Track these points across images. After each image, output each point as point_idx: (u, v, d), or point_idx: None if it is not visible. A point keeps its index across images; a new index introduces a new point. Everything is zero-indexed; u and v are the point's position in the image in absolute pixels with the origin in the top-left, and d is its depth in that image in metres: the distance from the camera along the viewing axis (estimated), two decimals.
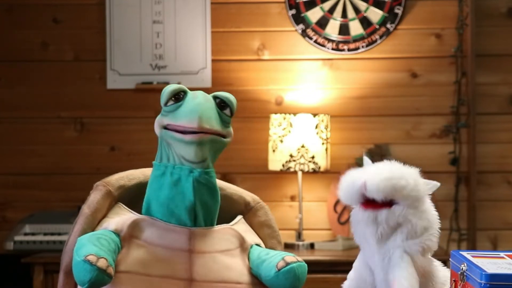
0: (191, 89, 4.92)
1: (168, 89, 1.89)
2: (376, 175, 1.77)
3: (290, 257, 1.85)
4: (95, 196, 1.94)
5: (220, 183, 1.99)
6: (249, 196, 2.05)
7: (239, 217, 2.01)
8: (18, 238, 4.12)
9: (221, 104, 1.91)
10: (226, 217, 1.98)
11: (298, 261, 1.85)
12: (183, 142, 1.84)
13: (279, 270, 1.82)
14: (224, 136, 1.90)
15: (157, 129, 1.90)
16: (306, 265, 1.86)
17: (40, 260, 4.02)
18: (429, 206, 1.81)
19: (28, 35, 4.57)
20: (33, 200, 4.54)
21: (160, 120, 1.89)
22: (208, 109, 1.87)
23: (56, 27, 4.58)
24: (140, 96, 4.55)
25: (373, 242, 1.79)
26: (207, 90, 4.82)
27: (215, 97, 1.92)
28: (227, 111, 1.92)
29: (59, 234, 4.14)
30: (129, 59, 4.55)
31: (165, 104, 1.88)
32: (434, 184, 1.81)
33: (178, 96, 1.88)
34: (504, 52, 4.49)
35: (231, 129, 1.92)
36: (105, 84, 4.56)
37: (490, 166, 4.46)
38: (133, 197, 1.98)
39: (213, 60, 4.54)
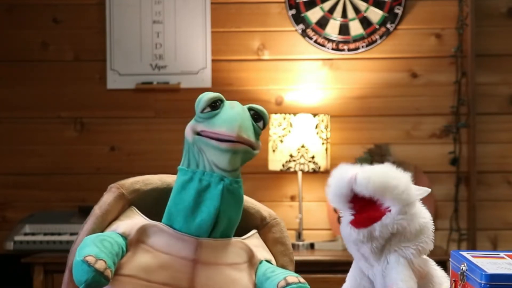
0: (192, 89, 4.90)
1: (206, 97, 1.87)
2: (369, 170, 1.76)
3: (292, 277, 1.83)
4: (107, 198, 1.93)
5: None
6: (266, 211, 2.03)
7: (253, 231, 1.99)
8: (18, 238, 4.12)
9: (255, 116, 1.91)
10: (241, 230, 1.97)
11: (300, 282, 1.83)
12: (218, 149, 1.84)
13: None
14: (254, 148, 1.90)
15: (189, 135, 1.88)
16: (308, 287, 1.84)
17: (40, 260, 4.02)
18: (419, 209, 1.79)
19: (28, 35, 4.57)
20: (33, 200, 4.54)
21: (193, 126, 1.87)
22: (246, 119, 1.88)
23: (56, 27, 4.58)
24: (140, 96, 4.55)
25: (369, 255, 1.79)
26: (207, 90, 4.80)
27: (249, 109, 1.92)
28: (260, 124, 1.92)
29: (59, 234, 4.14)
30: (129, 59, 4.55)
31: (202, 111, 1.86)
32: (425, 190, 1.79)
33: (215, 104, 1.86)
34: (504, 52, 4.49)
35: (260, 142, 1.93)
36: (105, 84, 4.56)
37: (490, 166, 4.46)
38: (149, 202, 1.97)
39: (213, 60, 4.54)
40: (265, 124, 1.93)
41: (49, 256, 4.04)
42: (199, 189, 1.85)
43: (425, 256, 1.81)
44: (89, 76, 4.57)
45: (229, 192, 1.86)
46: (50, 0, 4.57)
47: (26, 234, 4.15)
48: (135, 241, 1.86)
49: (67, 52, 4.58)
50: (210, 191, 1.85)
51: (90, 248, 1.77)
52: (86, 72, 4.57)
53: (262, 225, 2.01)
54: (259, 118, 1.92)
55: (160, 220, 1.92)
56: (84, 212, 4.22)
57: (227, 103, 1.89)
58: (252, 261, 1.91)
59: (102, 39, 4.55)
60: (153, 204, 1.97)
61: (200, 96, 1.88)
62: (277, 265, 1.97)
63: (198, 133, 1.86)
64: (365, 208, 1.76)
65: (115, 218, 1.93)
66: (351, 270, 1.89)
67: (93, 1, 4.57)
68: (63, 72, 4.58)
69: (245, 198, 2.00)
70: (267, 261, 1.94)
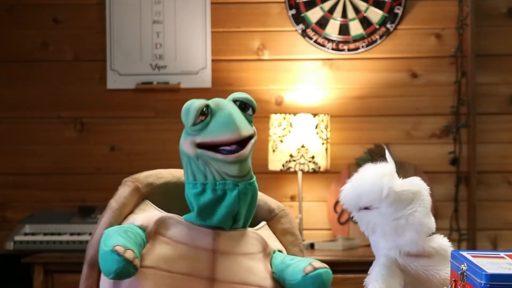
0: (192, 89, 4.88)
1: (193, 107, 1.83)
2: (344, 192, 1.84)
3: (317, 262, 1.86)
4: (123, 191, 1.95)
5: None
6: (273, 203, 2.05)
7: (263, 223, 2.00)
8: (18, 238, 4.12)
9: (242, 106, 1.91)
10: (251, 223, 1.98)
11: (325, 267, 1.86)
12: (225, 162, 1.83)
13: (306, 274, 1.83)
14: (253, 136, 1.90)
15: (189, 150, 1.85)
16: (331, 272, 1.87)
17: (40, 260, 4.02)
18: (413, 208, 1.79)
19: (28, 35, 4.57)
20: (33, 200, 4.54)
21: (190, 140, 1.85)
22: (238, 115, 1.87)
23: (56, 27, 4.58)
24: (140, 96, 4.55)
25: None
26: (207, 90, 4.78)
27: (234, 101, 1.91)
28: (250, 111, 1.92)
29: (59, 234, 4.14)
30: (129, 59, 4.55)
31: (194, 124, 1.84)
32: (391, 162, 1.82)
33: (203, 112, 1.84)
34: (504, 52, 4.49)
35: (254, 127, 1.92)
36: (105, 84, 4.56)
37: (490, 166, 4.46)
38: (161, 196, 1.99)
39: (213, 60, 4.54)
40: (254, 110, 1.92)
41: (49, 256, 4.04)
42: (214, 199, 1.86)
43: (423, 257, 1.80)
44: (89, 76, 4.57)
45: (244, 194, 1.87)
46: (50, 0, 4.57)
47: (26, 234, 4.15)
48: (153, 233, 1.86)
49: (67, 52, 4.58)
50: (227, 198, 1.85)
51: (116, 238, 1.77)
52: (86, 72, 4.57)
53: (270, 217, 2.02)
54: (246, 107, 1.91)
55: (174, 213, 1.93)
56: (84, 212, 4.22)
57: (213, 106, 1.86)
58: (266, 251, 1.92)
59: (102, 39, 4.55)
60: (164, 197, 1.99)
61: (185, 108, 1.85)
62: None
63: (199, 145, 1.85)
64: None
65: (131, 211, 1.94)
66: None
67: (93, 1, 4.57)
68: (63, 72, 4.58)
69: None
70: (279, 251, 1.96)
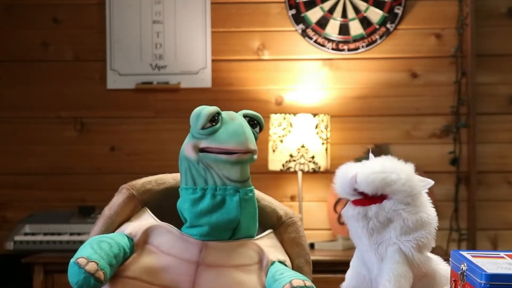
0: (191, 89, 4.88)
1: (204, 112, 1.83)
2: (368, 168, 1.78)
3: (298, 280, 1.78)
4: (117, 199, 1.93)
5: (257, 193, 1.96)
6: (282, 210, 2.00)
7: (268, 231, 1.97)
8: (18, 238, 4.12)
9: (250, 122, 1.90)
10: (258, 229, 1.95)
11: (306, 286, 1.78)
12: (229, 163, 1.82)
13: None
14: (254, 154, 1.89)
15: (190, 153, 1.85)
16: None
17: (40, 260, 4.02)
18: (424, 202, 1.79)
19: (28, 35, 4.57)
20: (33, 200, 4.54)
21: (194, 143, 1.85)
22: (248, 128, 1.87)
23: (56, 27, 4.58)
24: (140, 96, 4.55)
25: (365, 239, 1.79)
26: (207, 90, 4.77)
27: (244, 116, 1.91)
28: (257, 129, 1.91)
29: (59, 234, 4.14)
30: (129, 59, 4.55)
31: (203, 127, 1.84)
32: (429, 182, 1.80)
33: (214, 118, 1.84)
34: (504, 52, 4.49)
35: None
36: (105, 84, 4.56)
37: (490, 166, 4.46)
38: (163, 201, 1.96)
39: (213, 60, 4.54)
40: (261, 129, 1.93)
41: (49, 256, 4.04)
42: (215, 205, 1.84)
43: (429, 254, 1.80)
44: (89, 76, 4.57)
45: (245, 201, 1.86)
46: (50, 0, 4.57)
47: (26, 234, 4.15)
48: (141, 243, 1.85)
49: (67, 52, 4.58)
50: (227, 205, 1.84)
51: (85, 249, 1.77)
52: (86, 72, 4.57)
53: (278, 225, 1.98)
54: (254, 124, 1.91)
55: (177, 219, 1.91)
56: (84, 212, 4.23)
57: (224, 115, 1.86)
58: (262, 263, 1.88)
59: (102, 39, 4.55)
60: (166, 203, 1.96)
61: (196, 112, 1.85)
62: (293, 266, 1.94)
63: (202, 150, 1.84)
64: (368, 197, 1.78)
65: (127, 219, 1.92)
66: (353, 258, 1.89)
67: (93, 1, 4.57)
68: (63, 72, 4.58)
69: (262, 196, 1.99)
70: (280, 262, 1.91)
